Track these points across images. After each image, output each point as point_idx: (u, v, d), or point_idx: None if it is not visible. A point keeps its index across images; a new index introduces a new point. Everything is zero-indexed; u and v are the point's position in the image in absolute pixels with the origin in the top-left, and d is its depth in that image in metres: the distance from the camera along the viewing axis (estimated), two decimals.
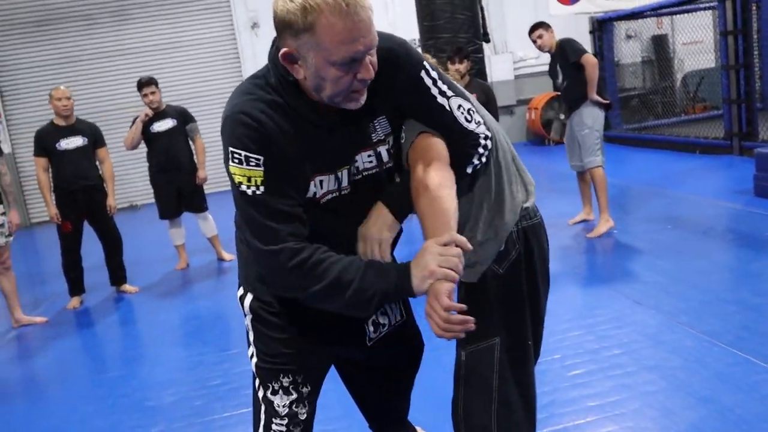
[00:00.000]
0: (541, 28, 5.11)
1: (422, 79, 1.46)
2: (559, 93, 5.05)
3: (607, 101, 5.01)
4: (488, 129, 1.53)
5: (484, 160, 1.54)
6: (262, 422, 1.66)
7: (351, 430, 2.58)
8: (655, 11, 9.02)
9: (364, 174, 1.51)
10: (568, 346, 3.10)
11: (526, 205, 1.60)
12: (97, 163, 5.19)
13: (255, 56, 10.72)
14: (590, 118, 4.91)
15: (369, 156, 1.51)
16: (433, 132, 1.49)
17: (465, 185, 1.54)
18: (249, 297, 1.64)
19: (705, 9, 9.28)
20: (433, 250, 1.35)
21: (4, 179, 4.63)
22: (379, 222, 1.51)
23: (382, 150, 1.52)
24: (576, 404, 2.58)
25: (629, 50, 11.14)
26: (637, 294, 3.66)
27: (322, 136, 1.44)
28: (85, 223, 5.14)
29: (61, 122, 5.01)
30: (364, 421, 2.09)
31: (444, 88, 1.48)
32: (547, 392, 2.63)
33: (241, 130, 1.37)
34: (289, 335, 1.61)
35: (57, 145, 4.95)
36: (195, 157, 5.81)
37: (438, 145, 1.47)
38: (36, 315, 4.96)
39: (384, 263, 1.44)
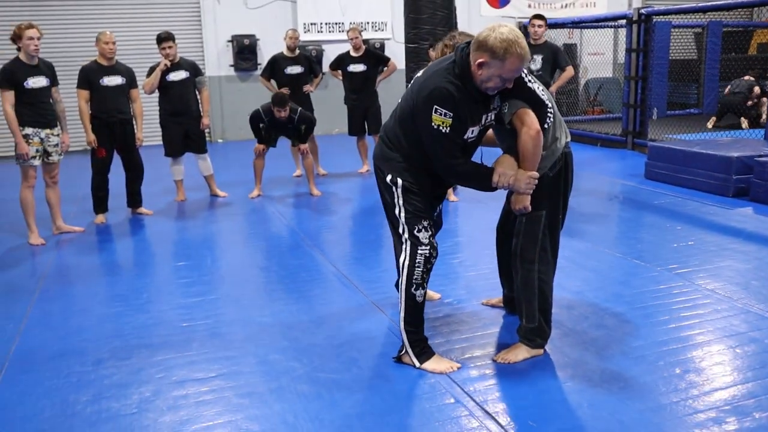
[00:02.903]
0: (544, 20, 6.79)
1: (522, 76, 2.72)
2: None
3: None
4: (550, 102, 2.83)
5: (550, 122, 2.82)
6: (408, 251, 2.83)
7: None
8: (575, 24, 10.65)
9: (482, 127, 2.79)
10: None
11: (567, 140, 2.93)
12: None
13: (215, 22, 11.53)
14: None
15: (487, 117, 2.78)
16: (527, 106, 2.72)
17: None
18: (399, 180, 2.81)
19: (614, 27, 11.04)
20: (523, 177, 2.71)
21: (60, 105, 5.46)
22: (511, 164, 2.76)
23: (493, 114, 2.79)
24: None
25: None
26: (572, 230, 5.11)
27: (477, 105, 2.69)
28: None
29: (104, 62, 5.85)
30: None
31: (531, 78, 2.78)
32: None
33: (443, 97, 2.61)
34: (423, 199, 2.85)
35: (100, 81, 5.80)
36: (200, 105, 6.77)
37: (533, 115, 2.71)
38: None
39: (490, 172, 2.75)
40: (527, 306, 2.95)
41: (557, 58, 6.73)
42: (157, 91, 6.58)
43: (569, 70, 6.75)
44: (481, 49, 2.56)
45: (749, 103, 10.25)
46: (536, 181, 2.74)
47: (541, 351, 3.01)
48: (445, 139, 2.65)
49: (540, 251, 2.93)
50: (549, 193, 2.90)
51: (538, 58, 6.67)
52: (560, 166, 2.89)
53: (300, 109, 6.74)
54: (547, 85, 6.53)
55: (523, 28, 11.39)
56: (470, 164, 2.76)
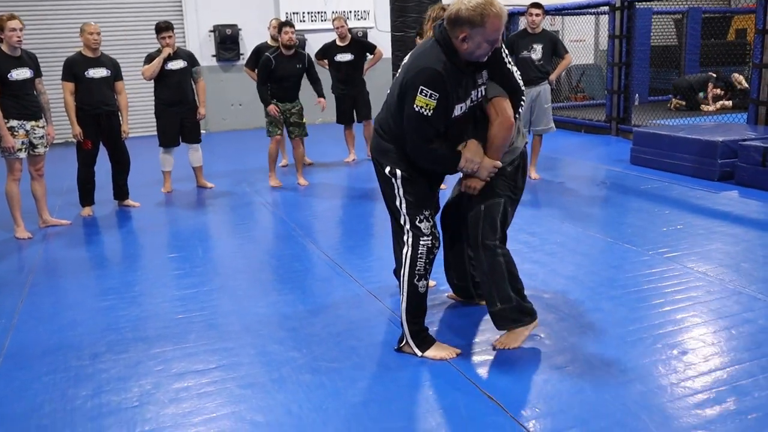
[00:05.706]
0: (542, 8, 6.51)
1: (502, 54, 2.72)
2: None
3: (554, 87, 6.69)
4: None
5: (521, 111, 2.83)
6: (410, 243, 2.82)
7: None
8: (557, 11, 10.67)
9: (472, 103, 2.75)
10: (521, 242, 4.51)
11: (525, 141, 2.99)
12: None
13: (197, 12, 11.40)
14: (551, 95, 6.50)
15: (475, 93, 2.75)
16: (504, 94, 2.73)
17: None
18: (398, 171, 2.78)
19: (597, 14, 11.07)
20: (488, 165, 2.77)
21: (44, 97, 5.37)
22: (478, 152, 2.78)
23: (481, 90, 2.76)
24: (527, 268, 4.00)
25: None
26: (561, 216, 5.16)
27: (463, 80, 2.65)
28: None
29: (89, 54, 5.76)
30: None
31: (510, 60, 2.78)
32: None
33: (431, 78, 2.56)
34: (421, 187, 2.84)
35: (85, 73, 5.71)
36: (196, 95, 6.68)
37: (509, 105, 2.73)
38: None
39: (458, 156, 2.76)
40: (498, 290, 2.90)
41: (557, 47, 6.56)
42: (153, 81, 6.50)
43: (567, 58, 6.58)
44: (457, 24, 2.53)
45: (741, 84, 10.57)
46: (496, 170, 2.81)
47: (535, 323, 2.98)
48: (424, 122, 2.61)
49: (500, 235, 2.94)
50: (507, 184, 2.93)
51: (538, 47, 6.46)
52: (518, 163, 2.97)
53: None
54: (547, 74, 6.44)
55: (509, 15, 11.47)
56: (443, 149, 2.74)
